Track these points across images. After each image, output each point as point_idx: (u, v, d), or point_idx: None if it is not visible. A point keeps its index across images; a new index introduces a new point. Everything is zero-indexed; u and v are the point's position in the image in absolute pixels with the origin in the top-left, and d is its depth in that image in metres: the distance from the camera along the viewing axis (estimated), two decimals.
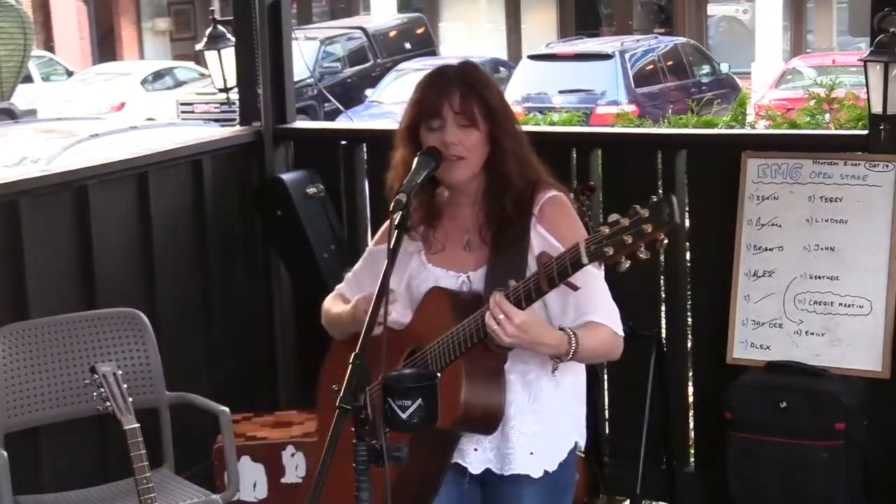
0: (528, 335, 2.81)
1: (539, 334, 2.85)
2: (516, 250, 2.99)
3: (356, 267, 3.28)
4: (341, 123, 10.93)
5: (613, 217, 2.65)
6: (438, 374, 2.83)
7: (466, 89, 2.99)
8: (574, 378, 3.12)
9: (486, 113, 2.99)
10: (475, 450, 3.05)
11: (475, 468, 3.07)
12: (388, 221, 3.12)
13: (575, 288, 2.80)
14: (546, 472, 3.07)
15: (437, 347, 2.94)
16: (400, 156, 3.07)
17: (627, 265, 2.64)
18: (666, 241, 2.61)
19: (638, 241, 2.60)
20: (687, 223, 4.91)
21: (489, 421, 2.96)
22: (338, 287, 3.31)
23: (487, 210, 3.03)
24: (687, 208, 4.91)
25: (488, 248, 3.03)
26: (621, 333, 3.02)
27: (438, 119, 2.98)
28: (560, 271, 2.75)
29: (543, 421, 3.05)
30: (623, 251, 2.62)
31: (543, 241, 2.98)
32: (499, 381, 2.96)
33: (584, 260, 2.68)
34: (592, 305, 2.95)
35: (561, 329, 2.91)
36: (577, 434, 3.15)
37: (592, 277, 2.89)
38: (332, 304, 3.24)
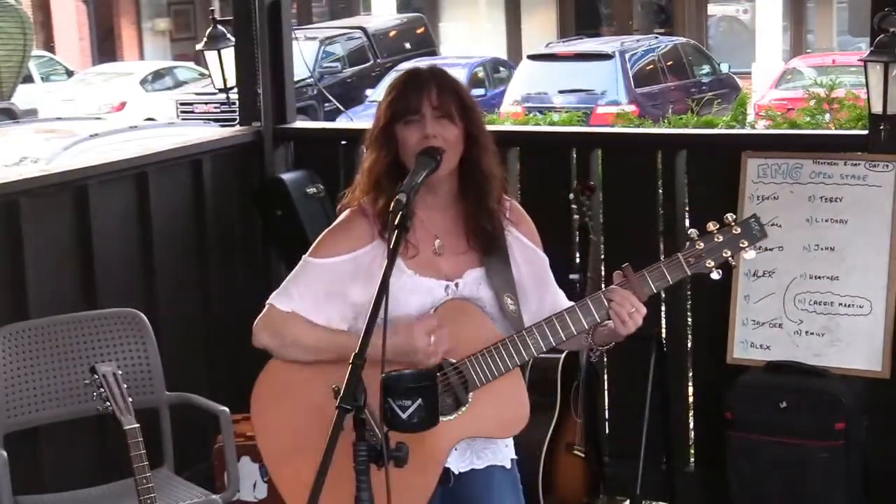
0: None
1: None
2: (501, 252, 3.04)
3: (301, 283, 3.05)
4: (341, 123, 10.94)
5: (695, 233, 3.00)
6: (438, 375, 2.83)
7: (442, 86, 2.99)
8: None
9: (462, 110, 2.99)
10: (455, 450, 3.05)
11: (455, 467, 3.07)
12: (330, 233, 3.07)
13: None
14: (512, 461, 3.14)
15: (485, 359, 2.95)
16: (374, 158, 3.02)
17: (720, 274, 3.01)
18: (754, 255, 3.04)
19: (734, 255, 3.00)
20: (687, 223, 4.92)
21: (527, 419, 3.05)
22: (278, 304, 3.06)
23: (471, 212, 3.02)
24: (687, 208, 4.91)
25: (478, 251, 3.02)
26: None
27: (417, 114, 2.96)
28: (657, 282, 3.01)
29: None
30: (719, 262, 3.00)
31: (518, 243, 3.08)
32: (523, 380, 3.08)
33: (689, 271, 3.00)
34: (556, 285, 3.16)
35: None
36: None
37: (544, 264, 3.15)
38: (299, 329, 3.04)
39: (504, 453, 3.12)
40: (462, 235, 3.04)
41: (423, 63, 3.38)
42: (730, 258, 3.00)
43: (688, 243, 3.01)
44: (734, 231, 3.01)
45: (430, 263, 3.03)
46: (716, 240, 2.99)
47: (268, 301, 3.11)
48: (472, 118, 3.01)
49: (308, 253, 3.08)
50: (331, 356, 2.97)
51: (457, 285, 3.02)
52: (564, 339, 2.98)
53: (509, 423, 3.01)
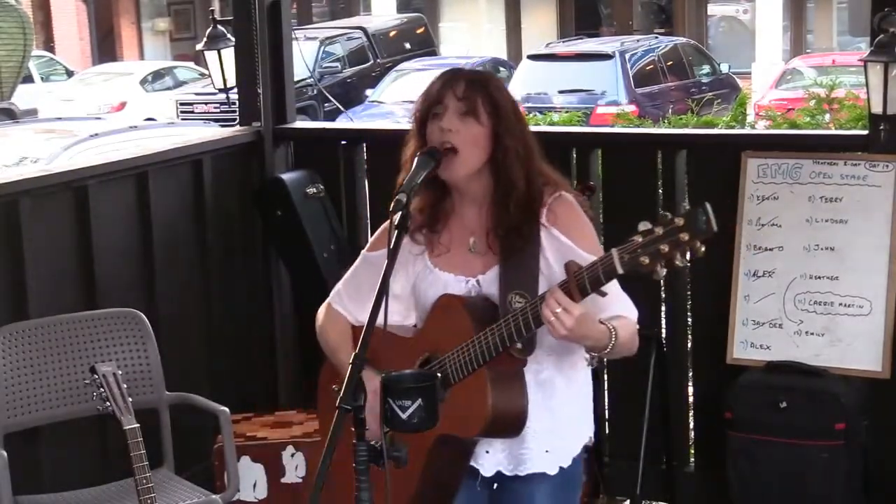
0: (581, 329, 2.80)
1: (588, 328, 2.84)
2: (526, 254, 2.97)
3: (349, 276, 3.22)
4: (341, 123, 10.93)
5: (644, 225, 2.64)
6: (438, 375, 2.83)
7: (472, 82, 2.98)
8: (585, 374, 3.14)
9: (491, 109, 2.96)
10: (487, 452, 3.05)
11: (487, 470, 3.07)
12: (384, 225, 3.12)
13: (604, 294, 2.79)
14: (561, 469, 3.08)
15: (458, 356, 2.92)
16: (410, 152, 3.04)
17: (664, 273, 2.63)
18: (703, 249, 2.60)
19: (674, 250, 2.60)
20: None
21: (516, 425, 2.97)
22: (331, 299, 3.24)
23: (494, 215, 3.01)
24: (687, 208, 4.90)
25: (497, 253, 3.00)
26: (637, 323, 3.03)
27: (440, 105, 2.97)
28: (592, 281, 2.74)
29: (558, 419, 3.06)
30: (659, 260, 2.62)
31: (555, 241, 2.98)
32: (521, 385, 2.97)
33: (619, 270, 2.67)
34: (611, 299, 2.91)
35: (601, 322, 2.89)
36: (589, 430, 3.17)
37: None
38: (330, 328, 3.21)
39: (544, 460, 3.05)
40: (487, 235, 3.03)
41: (454, 64, 3.36)
42: (673, 255, 2.60)
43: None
44: (676, 223, 2.59)
45: (458, 260, 3.05)
46: (655, 233, 2.61)
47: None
48: (501, 118, 2.97)
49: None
50: (338, 370, 3.11)
51: (478, 282, 3.03)
52: (520, 336, 2.85)
53: (468, 421, 2.92)
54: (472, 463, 3.06)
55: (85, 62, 26.99)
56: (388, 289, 2.79)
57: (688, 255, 2.61)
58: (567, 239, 2.97)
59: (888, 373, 4.50)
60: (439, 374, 2.85)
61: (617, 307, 2.95)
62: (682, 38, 21.12)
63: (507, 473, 3.07)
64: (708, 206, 2.59)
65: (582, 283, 2.75)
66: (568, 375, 3.07)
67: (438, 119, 2.97)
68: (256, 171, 5.45)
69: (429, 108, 2.99)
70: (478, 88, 2.97)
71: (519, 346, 2.89)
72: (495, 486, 3.10)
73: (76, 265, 4.63)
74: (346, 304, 3.20)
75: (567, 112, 13.83)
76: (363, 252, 3.21)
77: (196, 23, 28.99)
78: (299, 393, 5.39)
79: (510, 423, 2.96)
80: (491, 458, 3.06)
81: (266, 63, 5.42)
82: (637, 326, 3.01)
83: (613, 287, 2.89)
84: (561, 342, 2.93)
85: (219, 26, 5.73)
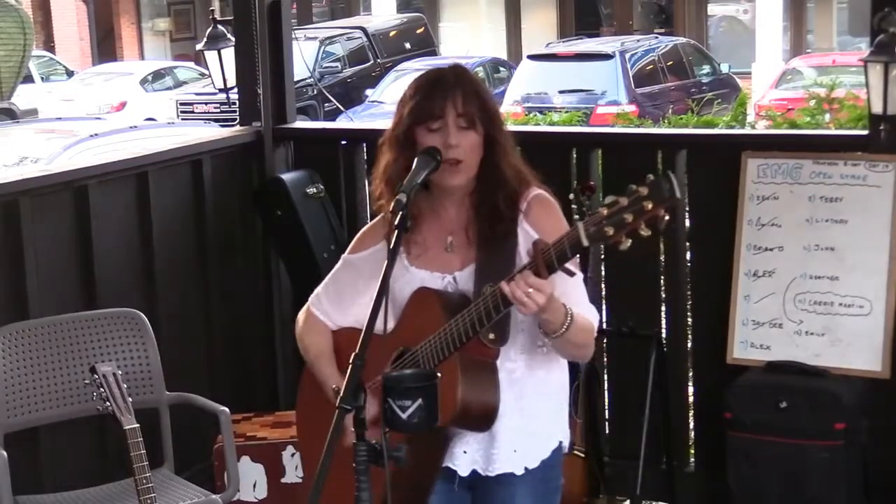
0: (550, 308, 2.81)
1: (554, 307, 2.84)
2: (504, 248, 2.99)
3: (329, 280, 3.22)
4: (341, 123, 10.95)
5: (610, 198, 2.64)
6: (439, 375, 2.83)
7: (467, 92, 2.98)
8: (560, 377, 3.13)
9: (485, 115, 2.99)
10: (464, 452, 3.06)
11: (463, 470, 3.07)
12: (361, 232, 3.19)
13: (571, 274, 2.80)
14: (527, 469, 3.07)
15: (429, 346, 2.94)
16: (390, 160, 3.03)
17: (629, 244, 2.64)
18: (667, 218, 2.61)
19: (638, 220, 2.61)
20: (687, 223, 4.92)
21: (486, 417, 2.97)
22: (311, 303, 3.24)
23: (477, 208, 3.02)
24: (687, 208, 4.90)
25: (475, 246, 3.01)
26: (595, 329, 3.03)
27: (440, 121, 2.96)
28: (559, 255, 2.74)
29: (528, 417, 3.06)
30: (623, 230, 2.62)
31: (528, 237, 2.99)
32: (492, 377, 2.97)
33: (584, 242, 2.67)
34: (575, 301, 2.95)
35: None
36: (561, 434, 3.16)
37: (574, 279, 2.90)
38: (310, 336, 3.22)
39: (512, 460, 3.05)
40: (466, 231, 3.04)
41: (444, 63, 3.33)
42: (638, 225, 2.60)
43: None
44: (640, 192, 2.59)
45: (435, 258, 3.05)
46: (619, 203, 2.61)
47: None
48: (494, 122, 3.01)
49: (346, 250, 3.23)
50: (318, 377, 3.19)
51: (455, 279, 3.03)
52: (490, 318, 2.84)
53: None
54: (449, 464, 3.06)
55: (85, 62, 27.00)
56: (388, 288, 2.79)
57: (660, 224, 2.62)
58: (535, 234, 2.98)
59: (888, 373, 4.50)
60: (439, 374, 2.85)
61: (578, 307, 2.95)
62: (682, 38, 21.12)
63: (482, 473, 3.07)
64: (671, 174, 2.61)
65: (549, 258, 2.76)
66: (540, 377, 3.07)
67: (439, 134, 2.95)
68: (256, 171, 5.45)
69: (423, 120, 2.97)
70: (472, 97, 2.98)
71: (491, 336, 2.89)
72: (475, 488, 3.09)
73: (76, 265, 4.63)
74: (326, 308, 3.21)
75: (567, 112, 13.87)
76: (344, 255, 3.21)
77: (196, 23, 29.00)
78: None
79: (480, 416, 2.96)
80: (468, 458, 3.06)
81: (266, 63, 5.42)
82: (595, 332, 3.02)
83: (579, 292, 2.97)
84: (533, 342, 2.98)
85: (219, 26, 5.73)
